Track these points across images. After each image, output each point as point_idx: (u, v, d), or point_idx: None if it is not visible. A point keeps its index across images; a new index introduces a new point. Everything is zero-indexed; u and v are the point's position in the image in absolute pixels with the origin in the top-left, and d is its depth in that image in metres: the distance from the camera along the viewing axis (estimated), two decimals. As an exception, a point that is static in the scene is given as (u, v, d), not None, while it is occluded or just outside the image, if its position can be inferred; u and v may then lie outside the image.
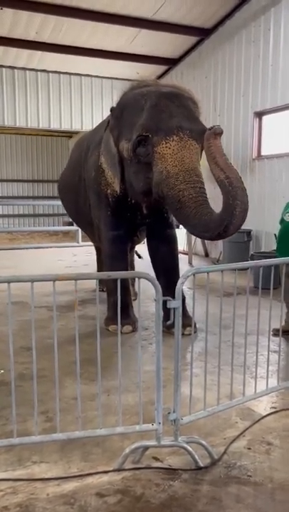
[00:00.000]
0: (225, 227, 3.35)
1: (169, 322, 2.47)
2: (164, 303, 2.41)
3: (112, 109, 4.40)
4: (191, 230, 3.89)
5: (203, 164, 3.64)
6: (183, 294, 2.57)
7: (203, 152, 3.52)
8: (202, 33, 9.91)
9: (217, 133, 3.15)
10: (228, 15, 9.20)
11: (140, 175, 4.05)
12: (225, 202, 3.25)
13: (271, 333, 3.18)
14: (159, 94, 4.00)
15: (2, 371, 3.58)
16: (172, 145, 3.75)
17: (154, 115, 3.87)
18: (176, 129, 3.77)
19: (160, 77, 11.63)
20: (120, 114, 4.26)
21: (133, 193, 4.32)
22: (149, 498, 2.18)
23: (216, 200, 3.68)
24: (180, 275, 4.65)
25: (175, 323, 2.43)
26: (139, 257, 6.20)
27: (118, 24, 9.34)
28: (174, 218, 4.98)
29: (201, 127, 3.90)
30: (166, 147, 3.76)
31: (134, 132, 3.96)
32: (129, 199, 4.45)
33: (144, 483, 2.29)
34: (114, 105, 4.41)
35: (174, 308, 2.43)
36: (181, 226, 4.43)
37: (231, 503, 2.15)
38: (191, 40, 10.30)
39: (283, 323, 4.11)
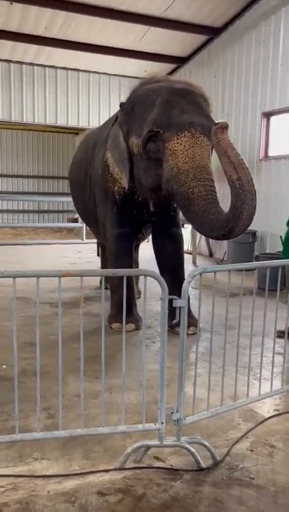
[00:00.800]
0: (230, 228, 3.34)
1: (174, 321, 2.45)
2: (169, 302, 2.39)
3: (121, 104, 4.36)
4: (198, 228, 3.87)
5: (214, 161, 3.62)
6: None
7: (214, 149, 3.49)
8: (212, 32, 9.87)
9: (224, 127, 3.11)
10: (238, 14, 9.16)
11: (150, 171, 4.02)
12: (233, 204, 3.22)
13: (276, 334, 3.16)
14: (170, 90, 3.97)
15: (4, 366, 3.57)
16: (184, 141, 3.72)
17: (165, 111, 3.84)
18: (188, 125, 3.74)
19: (169, 75, 11.57)
20: (131, 109, 4.23)
21: (141, 190, 4.30)
22: (151, 498, 2.16)
23: (223, 199, 3.66)
24: (184, 275, 4.69)
25: (180, 322, 2.41)
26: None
27: (128, 21, 9.31)
28: (180, 217, 4.98)
29: (212, 124, 3.87)
30: (177, 143, 3.73)
31: (145, 128, 3.93)
32: (136, 196, 4.43)
33: (145, 482, 2.27)
34: (124, 100, 4.38)
35: (179, 308, 2.40)
36: (186, 225, 4.43)
37: (233, 505, 2.13)
38: (201, 38, 10.26)
39: None
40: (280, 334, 3.90)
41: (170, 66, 11.55)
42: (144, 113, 4.00)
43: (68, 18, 9.28)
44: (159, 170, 3.90)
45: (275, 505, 2.16)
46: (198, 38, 10.25)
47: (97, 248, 7.20)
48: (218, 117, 9.81)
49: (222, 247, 9.37)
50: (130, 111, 4.23)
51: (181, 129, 3.74)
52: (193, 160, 3.68)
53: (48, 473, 2.33)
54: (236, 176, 3.10)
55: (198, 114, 3.84)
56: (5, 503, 2.09)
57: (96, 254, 7.25)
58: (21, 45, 10.45)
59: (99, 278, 6.43)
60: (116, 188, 4.54)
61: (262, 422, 2.90)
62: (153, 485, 2.25)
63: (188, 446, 2.44)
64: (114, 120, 4.60)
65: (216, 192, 3.67)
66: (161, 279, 2.38)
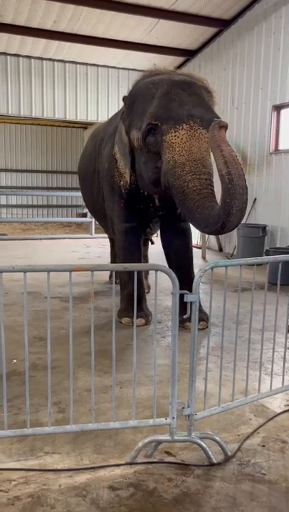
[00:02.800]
0: (222, 224, 3.30)
1: (185, 316, 2.44)
2: (180, 297, 2.38)
3: (124, 98, 4.34)
4: (193, 224, 3.82)
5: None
6: (198, 287, 2.53)
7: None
8: (221, 24, 9.78)
9: (222, 126, 3.08)
10: (248, 6, 9.06)
11: (149, 165, 3.99)
12: (223, 199, 3.18)
13: (287, 329, 3.13)
14: (170, 82, 3.92)
15: (15, 361, 3.58)
16: (181, 134, 3.67)
17: (164, 103, 3.79)
18: (187, 117, 3.68)
19: (177, 68, 11.51)
20: (132, 102, 4.20)
21: (143, 184, 4.27)
22: (162, 492, 2.16)
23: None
24: (194, 269, 4.66)
25: (191, 317, 2.39)
26: (152, 242, 6.17)
27: (136, 14, 9.25)
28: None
29: (213, 116, 3.82)
30: (174, 136, 3.68)
31: (144, 121, 3.89)
32: (142, 190, 4.41)
33: (156, 477, 2.27)
34: (127, 94, 4.36)
35: (190, 302, 2.39)
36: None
37: (245, 501, 2.12)
38: (210, 31, 10.17)
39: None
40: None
41: (179, 59, 11.47)
42: (144, 106, 3.96)
43: (77, 11, 9.24)
44: (158, 163, 3.87)
45: (287, 501, 2.14)
46: (208, 31, 10.16)
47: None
48: (227, 110, 9.75)
49: (232, 242, 9.33)
50: (131, 105, 4.20)
51: (179, 122, 3.68)
52: (190, 153, 3.63)
53: (59, 467, 2.33)
54: (226, 170, 3.06)
55: (198, 106, 3.77)
56: (17, 497, 2.10)
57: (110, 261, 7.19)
58: (30, 40, 10.44)
59: (108, 273, 6.44)
60: (122, 182, 4.52)
61: (273, 417, 2.88)
62: (164, 480, 2.25)
63: (199, 441, 2.43)
64: (121, 114, 4.58)
65: (212, 185, 3.60)
66: (173, 273, 2.37)
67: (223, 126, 3.09)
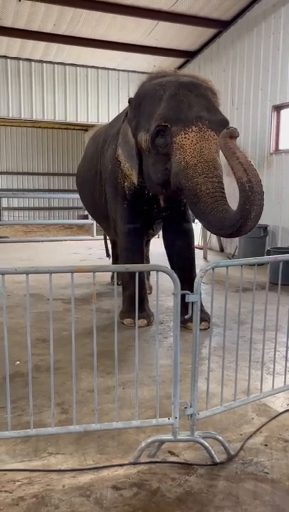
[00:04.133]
0: (238, 228, 3.37)
1: (187, 316, 2.45)
2: (181, 297, 2.39)
3: (130, 100, 4.36)
4: (206, 226, 3.86)
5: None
6: (200, 288, 2.54)
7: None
8: (221, 25, 9.80)
9: (234, 136, 3.12)
10: (247, 6, 9.07)
11: (158, 166, 4.01)
12: (242, 205, 3.23)
13: None
14: (177, 84, 3.95)
15: (18, 362, 3.59)
16: (191, 136, 3.71)
17: (173, 105, 3.82)
18: (196, 119, 3.72)
19: (177, 70, 11.53)
20: (138, 104, 4.21)
21: (151, 185, 4.29)
22: (165, 492, 2.17)
23: (229, 195, 3.66)
24: (196, 270, 4.67)
25: (193, 317, 2.41)
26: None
27: (135, 16, 9.28)
28: (190, 212, 4.96)
29: (220, 117, 3.86)
30: (185, 138, 3.72)
31: (153, 122, 3.92)
32: (146, 192, 4.43)
33: (159, 477, 2.28)
34: (132, 96, 4.37)
35: (192, 303, 2.40)
36: (197, 220, 4.39)
37: (248, 500, 2.13)
38: (210, 32, 10.19)
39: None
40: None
41: (179, 60, 11.50)
42: (152, 108, 3.99)
43: (76, 14, 9.27)
44: (167, 164, 3.89)
45: (290, 500, 2.15)
46: (207, 32, 10.18)
47: (106, 248, 7.16)
48: (227, 111, 9.76)
49: (233, 242, 9.33)
50: (138, 106, 4.21)
51: (189, 124, 3.72)
52: (201, 154, 3.67)
53: (62, 468, 2.34)
54: (246, 178, 3.10)
55: (205, 108, 3.81)
56: (21, 497, 2.12)
57: (106, 255, 7.20)
58: (30, 43, 10.47)
59: (110, 274, 6.46)
60: (126, 183, 4.54)
61: (275, 416, 2.89)
62: (167, 479, 2.26)
63: (202, 440, 2.44)
64: (124, 116, 4.59)
65: (223, 188, 3.65)
66: (174, 274, 2.38)
67: (234, 137, 3.13)
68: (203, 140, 3.70)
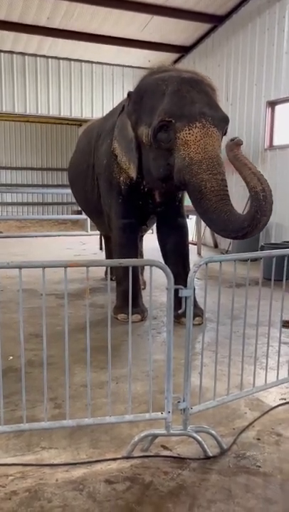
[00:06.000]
0: (244, 234, 3.46)
1: (180, 311, 2.45)
2: (175, 292, 2.39)
3: (129, 94, 4.32)
4: (208, 224, 3.88)
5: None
6: (193, 283, 2.54)
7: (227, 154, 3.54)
8: (215, 20, 9.77)
9: (239, 144, 3.23)
10: (243, 1, 9.05)
11: (160, 161, 4.00)
12: (253, 214, 3.31)
13: (281, 324, 3.15)
14: (180, 79, 3.93)
15: (11, 357, 3.58)
16: (195, 132, 3.71)
17: (176, 100, 3.81)
18: (199, 115, 3.73)
19: (172, 65, 11.51)
20: (139, 98, 4.17)
21: (150, 180, 4.27)
22: (158, 486, 2.18)
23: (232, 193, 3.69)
24: (190, 265, 4.68)
25: (186, 312, 2.41)
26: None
27: (130, 10, 9.23)
28: (185, 207, 4.96)
29: (221, 114, 3.89)
30: (189, 133, 3.72)
31: (156, 117, 3.90)
32: (142, 187, 4.41)
33: (152, 471, 2.29)
34: (132, 90, 4.34)
35: (185, 297, 2.40)
36: (191, 216, 4.43)
37: (240, 493, 2.14)
38: (205, 27, 10.17)
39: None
40: (286, 324, 3.90)
41: (173, 55, 11.46)
42: (154, 102, 3.97)
43: (71, 7, 9.21)
44: (169, 159, 3.89)
45: (282, 493, 2.17)
46: (202, 27, 10.16)
47: (100, 242, 7.19)
48: (222, 107, 9.73)
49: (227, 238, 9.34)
50: (139, 100, 4.18)
51: (193, 120, 3.73)
52: (205, 150, 3.68)
53: (55, 462, 2.35)
54: (261, 187, 3.23)
55: (208, 105, 3.83)
56: (14, 492, 2.12)
57: (99, 247, 7.23)
58: (24, 36, 10.40)
59: (103, 269, 6.45)
60: (122, 178, 4.52)
61: (268, 411, 2.91)
62: (160, 473, 2.27)
63: (194, 434, 2.45)
64: (120, 110, 4.56)
65: (227, 185, 3.68)
66: (167, 269, 2.38)
67: (240, 145, 3.25)
68: (207, 136, 3.71)
